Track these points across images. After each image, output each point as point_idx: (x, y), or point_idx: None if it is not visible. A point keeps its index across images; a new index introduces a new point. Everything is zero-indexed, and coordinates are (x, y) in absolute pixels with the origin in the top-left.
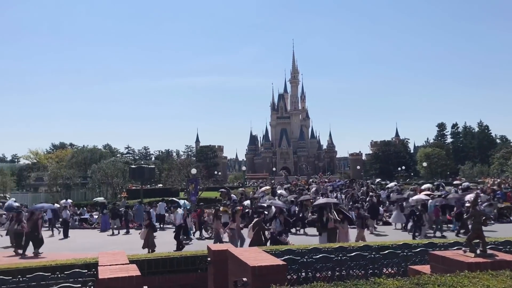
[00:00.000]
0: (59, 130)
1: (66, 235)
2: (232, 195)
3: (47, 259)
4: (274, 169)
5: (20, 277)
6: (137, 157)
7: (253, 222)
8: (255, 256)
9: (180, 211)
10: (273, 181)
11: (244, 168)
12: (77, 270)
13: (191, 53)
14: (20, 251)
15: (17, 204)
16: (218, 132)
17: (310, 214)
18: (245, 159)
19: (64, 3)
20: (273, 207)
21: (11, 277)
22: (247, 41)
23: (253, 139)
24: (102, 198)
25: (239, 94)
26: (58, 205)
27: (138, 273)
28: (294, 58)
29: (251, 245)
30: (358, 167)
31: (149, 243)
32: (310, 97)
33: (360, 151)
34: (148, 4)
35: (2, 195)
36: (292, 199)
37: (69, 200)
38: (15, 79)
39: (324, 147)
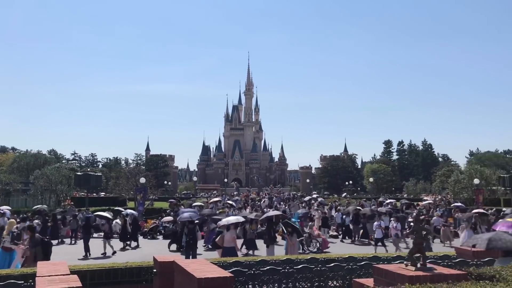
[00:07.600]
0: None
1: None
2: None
3: None
4: (226, 180)
5: None
6: (84, 164)
7: None
8: (202, 268)
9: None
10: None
11: (195, 178)
12: (12, 281)
13: (142, 61)
14: None
15: None
16: (170, 142)
17: (259, 226)
18: (196, 170)
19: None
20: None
21: None
22: (203, 52)
23: (205, 149)
24: (45, 206)
25: (193, 104)
26: None
27: (79, 284)
28: (249, 71)
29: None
30: (308, 180)
31: None
32: (264, 110)
33: (310, 165)
34: (100, 7)
35: None
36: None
37: (6, 207)
38: None
39: (276, 159)
